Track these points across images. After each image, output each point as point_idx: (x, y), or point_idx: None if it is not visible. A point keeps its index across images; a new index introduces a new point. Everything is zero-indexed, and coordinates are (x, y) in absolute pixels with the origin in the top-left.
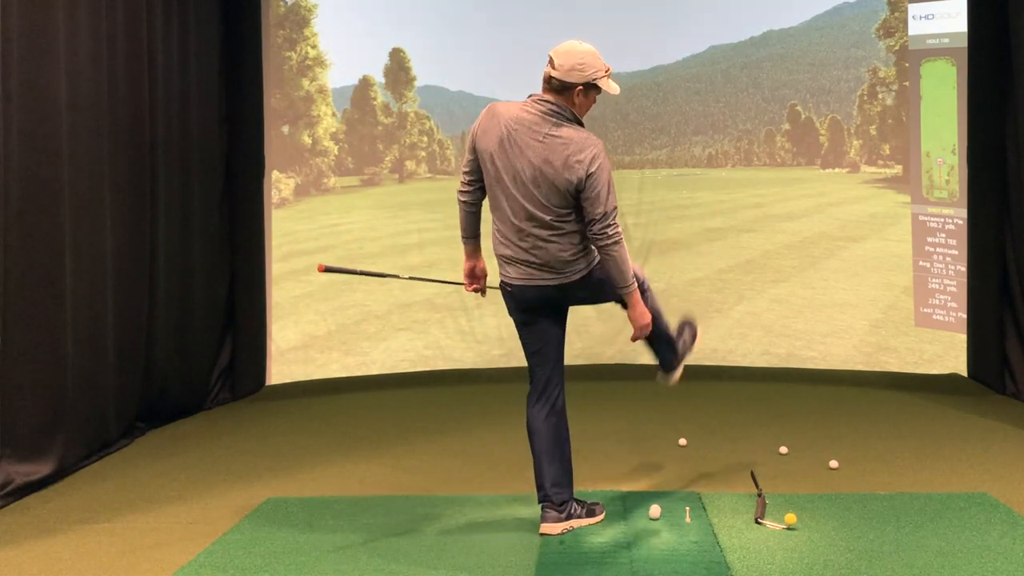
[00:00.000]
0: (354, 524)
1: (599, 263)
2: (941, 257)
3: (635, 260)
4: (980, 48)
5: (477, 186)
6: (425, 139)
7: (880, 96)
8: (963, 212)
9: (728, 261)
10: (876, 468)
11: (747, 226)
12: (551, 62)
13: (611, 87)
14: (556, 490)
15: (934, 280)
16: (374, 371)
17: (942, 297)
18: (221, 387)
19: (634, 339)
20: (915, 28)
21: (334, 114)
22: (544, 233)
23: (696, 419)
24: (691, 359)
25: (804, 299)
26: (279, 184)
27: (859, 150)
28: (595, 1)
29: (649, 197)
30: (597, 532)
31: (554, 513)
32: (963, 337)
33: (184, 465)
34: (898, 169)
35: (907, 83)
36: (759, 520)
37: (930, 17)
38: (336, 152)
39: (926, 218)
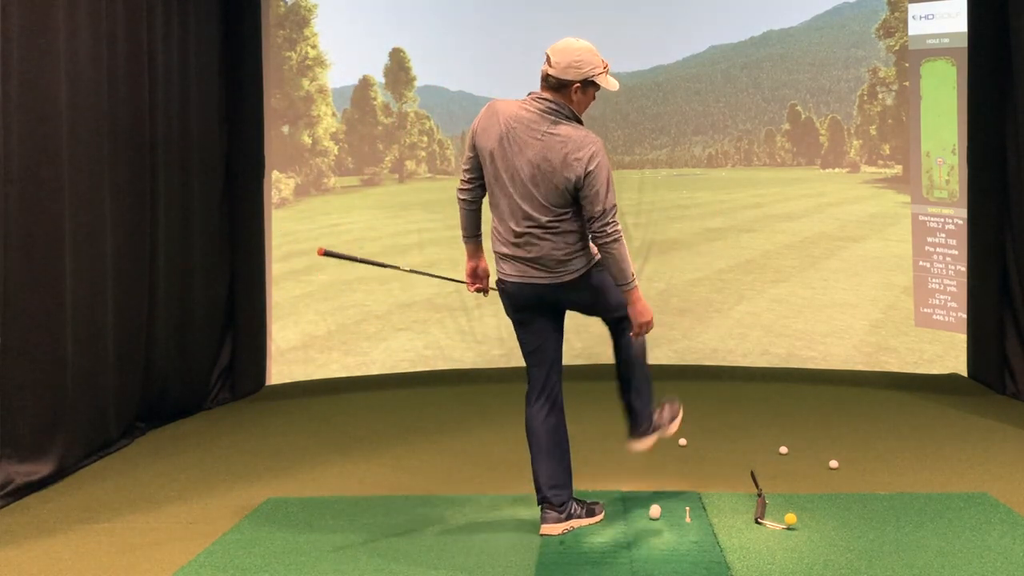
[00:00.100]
0: (354, 524)
1: (597, 266)
2: (941, 257)
3: (635, 260)
4: (980, 48)
5: (477, 184)
6: (425, 139)
7: (880, 96)
8: (963, 212)
9: (728, 261)
10: (876, 468)
11: (747, 226)
12: (548, 60)
13: (610, 83)
14: (555, 491)
15: (934, 280)
16: (374, 371)
17: (942, 297)
18: (221, 387)
19: (635, 336)
20: (915, 28)
21: (334, 114)
22: (539, 232)
23: (696, 419)
24: (691, 359)
25: (804, 299)
26: (279, 184)
27: (859, 150)
28: (595, 1)
29: (649, 197)
30: (597, 532)
31: (554, 514)
32: (963, 337)
33: (184, 465)
34: (898, 169)
35: (907, 83)
36: (759, 520)
37: (930, 17)
38: (336, 152)
39: (926, 218)
